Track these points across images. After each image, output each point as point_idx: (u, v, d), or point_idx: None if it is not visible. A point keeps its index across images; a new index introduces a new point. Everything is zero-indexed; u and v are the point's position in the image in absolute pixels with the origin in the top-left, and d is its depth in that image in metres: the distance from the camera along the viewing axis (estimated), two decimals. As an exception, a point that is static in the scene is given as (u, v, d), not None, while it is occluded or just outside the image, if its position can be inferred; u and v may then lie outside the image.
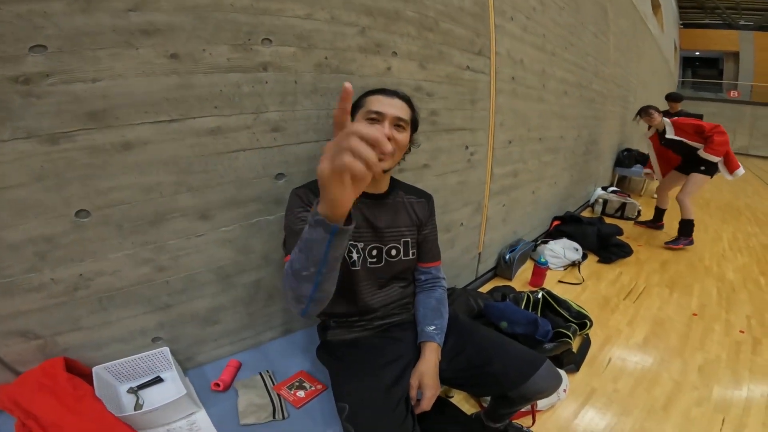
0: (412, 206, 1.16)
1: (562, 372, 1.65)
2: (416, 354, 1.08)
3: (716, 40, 19.01)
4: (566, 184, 3.62)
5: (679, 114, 4.76)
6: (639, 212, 4.18)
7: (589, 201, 4.54)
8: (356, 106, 1.01)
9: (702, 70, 21.02)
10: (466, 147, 1.96)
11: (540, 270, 2.44)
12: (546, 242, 2.94)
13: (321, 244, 0.61)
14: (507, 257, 2.48)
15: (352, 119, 0.97)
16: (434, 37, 1.58)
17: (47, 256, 0.85)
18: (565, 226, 3.23)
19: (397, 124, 0.98)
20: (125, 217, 0.92)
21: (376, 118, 0.96)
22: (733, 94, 17.91)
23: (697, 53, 20.39)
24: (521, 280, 2.60)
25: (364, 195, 1.04)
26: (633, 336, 2.10)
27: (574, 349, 1.86)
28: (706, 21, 19.12)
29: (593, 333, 2.05)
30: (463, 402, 1.57)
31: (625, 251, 3.10)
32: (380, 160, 0.65)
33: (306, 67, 1.13)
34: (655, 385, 1.72)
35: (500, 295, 2.02)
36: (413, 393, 0.97)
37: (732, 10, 18.39)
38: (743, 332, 2.19)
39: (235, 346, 1.22)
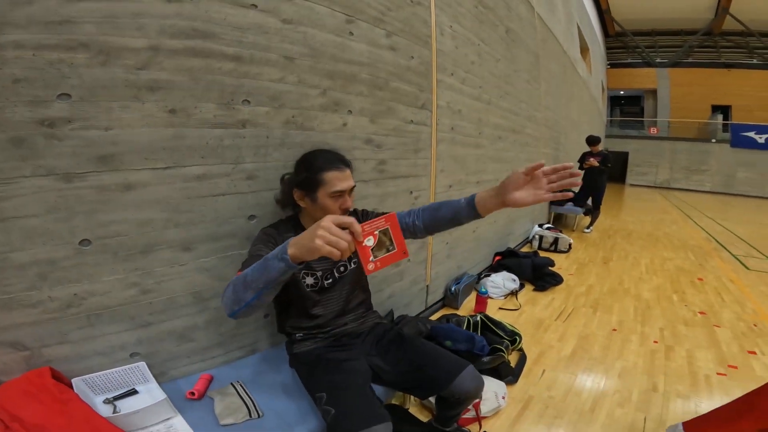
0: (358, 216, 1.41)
1: (499, 381, 1.95)
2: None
3: (638, 79, 21.27)
4: (505, 222, 4.10)
5: (599, 153, 5.88)
6: (570, 246, 4.77)
7: (528, 237, 5.10)
8: (315, 182, 1.19)
9: (627, 108, 23.50)
10: (411, 192, 2.29)
11: (481, 299, 2.82)
12: (488, 275, 3.37)
13: (277, 271, 0.87)
14: (453, 289, 2.84)
15: (312, 192, 1.19)
16: (384, 94, 1.94)
17: (48, 276, 1.03)
18: (505, 260, 3.71)
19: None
20: (121, 246, 1.13)
21: (340, 195, 1.20)
22: (653, 130, 20.18)
23: (622, 92, 22.83)
24: (467, 308, 2.95)
25: None
26: (563, 350, 2.46)
27: (513, 364, 2.17)
28: (629, 60, 21.56)
29: (529, 349, 2.39)
30: (417, 413, 1.80)
31: (556, 280, 3.59)
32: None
33: (276, 124, 1.43)
34: (583, 391, 2.05)
35: (445, 320, 2.34)
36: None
37: (650, 49, 21.18)
38: (657, 342, 2.62)
39: (206, 363, 1.40)
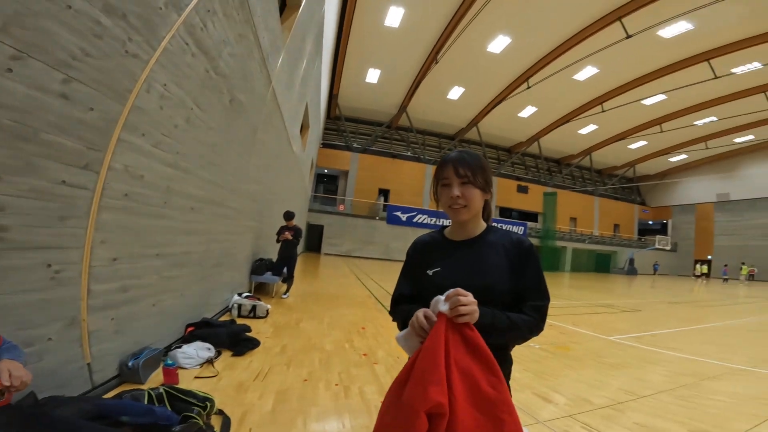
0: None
1: None
2: None
3: (339, 160, 25.53)
4: (196, 294, 3.94)
5: (293, 228, 6.80)
6: (268, 311, 5.10)
7: (228, 306, 5.09)
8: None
9: (328, 185, 27.84)
10: (49, 265, 1.89)
11: (169, 370, 2.64)
12: (179, 347, 3.15)
13: None
14: (130, 364, 2.53)
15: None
16: (29, 147, 1.62)
17: None
18: (199, 330, 3.59)
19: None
20: None
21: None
22: (341, 207, 24.55)
23: (326, 170, 26.88)
24: (156, 381, 2.67)
25: None
26: (264, 406, 2.57)
27: (217, 429, 2.13)
28: (336, 142, 25.57)
29: (232, 411, 2.39)
30: None
31: (253, 344, 3.75)
32: None
33: None
34: None
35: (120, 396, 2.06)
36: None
37: (352, 134, 25.86)
38: (338, 385, 3.09)
39: None
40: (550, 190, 28.91)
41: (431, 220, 24.00)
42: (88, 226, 2.07)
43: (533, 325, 1.09)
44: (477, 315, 0.98)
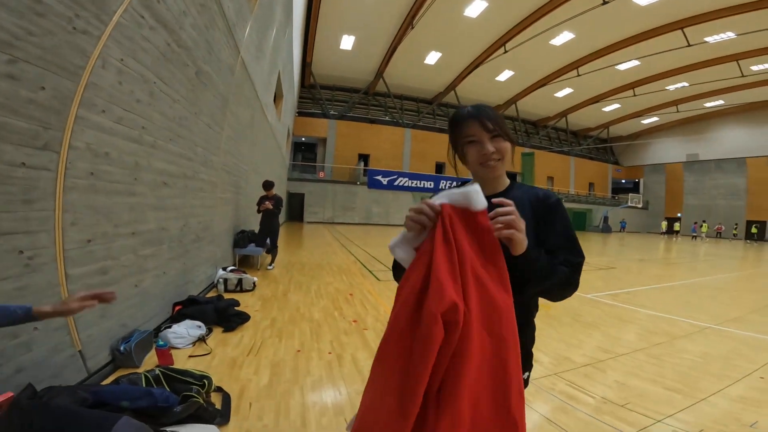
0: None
1: (209, 426, 1.94)
2: None
3: (316, 128, 25.24)
4: (179, 272, 3.87)
5: (273, 197, 6.64)
6: (254, 284, 5.09)
7: (213, 282, 5.05)
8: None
9: (306, 154, 27.49)
10: (21, 252, 1.83)
11: (162, 351, 2.62)
12: (169, 326, 3.12)
13: None
14: (122, 348, 2.49)
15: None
16: None
17: None
18: (186, 308, 3.56)
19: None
20: None
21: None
22: (321, 174, 24.40)
23: (303, 139, 26.50)
24: (151, 364, 2.66)
25: None
26: (261, 381, 2.62)
27: (219, 406, 2.17)
28: (312, 111, 25.24)
29: (230, 388, 2.43)
30: None
31: (242, 318, 3.76)
32: None
33: None
34: (290, 411, 2.26)
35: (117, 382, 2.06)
36: None
37: (329, 102, 25.47)
38: (330, 353, 3.16)
39: None
40: (527, 150, 29.15)
41: (412, 182, 24.13)
42: (55, 207, 2.01)
43: (570, 279, 0.99)
44: (524, 238, 0.88)
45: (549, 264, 0.96)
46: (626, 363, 3.24)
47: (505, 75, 24.20)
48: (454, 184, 1.16)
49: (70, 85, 2.02)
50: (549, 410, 2.40)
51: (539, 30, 18.07)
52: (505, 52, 20.24)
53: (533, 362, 1.19)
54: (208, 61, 3.84)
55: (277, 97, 12.03)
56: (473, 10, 17.46)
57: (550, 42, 19.76)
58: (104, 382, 2.32)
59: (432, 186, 24.78)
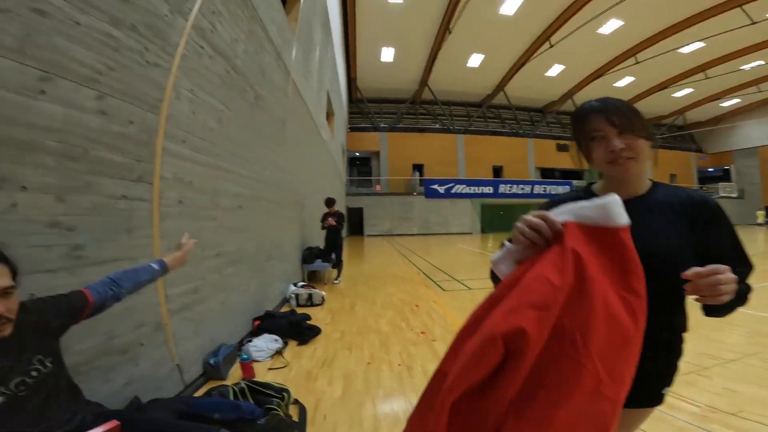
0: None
1: None
2: None
3: (368, 142, 25.54)
4: (257, 289, 4.14)
5: (335, 214, 6.95)
6: (323, 298, 5.27)
7: (286, 297, 5.31)
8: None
9: (361, 168, 27.79)
10: None
11: (245, 364, 2.81)
12: (250, 341, 3.35)
13: None
14: (212, 362, 2.72)
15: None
16: (79, 166, 1.66)
17: None
18: (264, 323, 3.79)
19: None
20: None
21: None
22: (378, 187, 24.65)
23: (357, 153, 26.82)
24: (236, 376, 2.85)
25: None
26: (335, 393, 2.69)
27: (295, 418, 2.26)
28: (363, 125, 25.65)
29: (306, 400, 2.52)
30: None
31: (314, 332, 3.91)
32: None
33: None
34: (363, 422, 2.31)
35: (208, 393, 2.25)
36: None
37: (377, 115, 25.81)
38: (400, 365, 3.18)
39: None
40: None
41: (470, 189, 23.71)
42: (153, 235, 2.19)
43: (747, 295, 0.88)
44: (732, 290, 0.77)
45: (745, 290, 0.87)
46: (736, 369, 2.91)
47: (555, 70, 23.03)
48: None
49: (153, 117, 2.16)
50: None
51: (583, 20, 17.03)
52: (551, 46, 19.31)
53: None
54: (263, 84, 3.99)
55: (329, 115, 12.28)
56: (508, 8, 16.91)
57: (597, 31, 18.57)
58: (196, 394, 2.53)
59: (492, 191, 24.08)
